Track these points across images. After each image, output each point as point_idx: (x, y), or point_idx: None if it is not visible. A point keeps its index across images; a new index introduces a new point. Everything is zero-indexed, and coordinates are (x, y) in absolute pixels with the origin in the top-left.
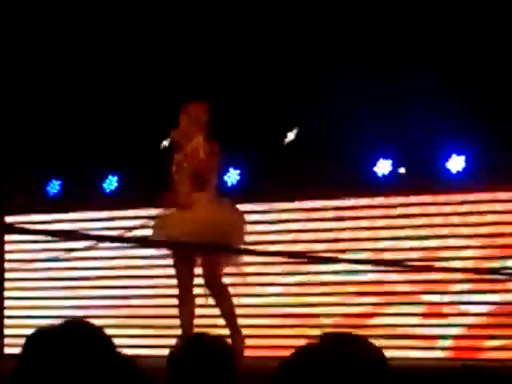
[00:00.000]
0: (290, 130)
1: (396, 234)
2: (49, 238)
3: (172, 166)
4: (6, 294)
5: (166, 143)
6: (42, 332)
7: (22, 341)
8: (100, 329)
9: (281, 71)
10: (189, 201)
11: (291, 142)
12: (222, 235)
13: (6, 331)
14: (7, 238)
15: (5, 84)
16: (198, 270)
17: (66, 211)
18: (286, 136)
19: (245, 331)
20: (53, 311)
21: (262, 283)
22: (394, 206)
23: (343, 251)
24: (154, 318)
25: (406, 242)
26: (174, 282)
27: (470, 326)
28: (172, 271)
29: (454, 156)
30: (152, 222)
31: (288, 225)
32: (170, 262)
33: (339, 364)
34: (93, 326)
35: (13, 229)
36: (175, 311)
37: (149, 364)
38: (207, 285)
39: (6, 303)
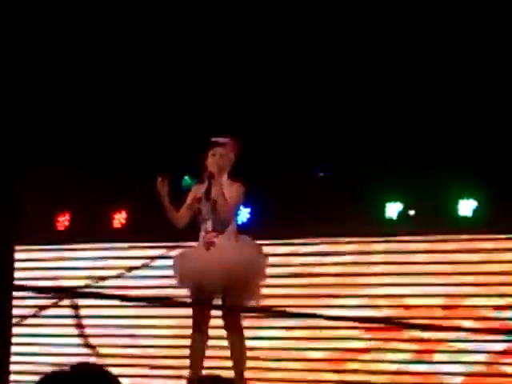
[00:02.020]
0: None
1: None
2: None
3: (191, 198)
4: (14, 330)
5: (188, 180)
6: (52, 376)
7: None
8: (108, 372)
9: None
10: (213, 238)
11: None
12: (247, 274)
13: (13, 367)
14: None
15: (26, 112)
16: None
17: (73, 243)
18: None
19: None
20: (60, 349)
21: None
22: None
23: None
24: (162, 359)
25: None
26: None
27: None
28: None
29: (463, 199)
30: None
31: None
32: None
33: None
34: (101, 368)
35: (20, 287)
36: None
37: None
38: (226, 326)
39: (14, 340)
